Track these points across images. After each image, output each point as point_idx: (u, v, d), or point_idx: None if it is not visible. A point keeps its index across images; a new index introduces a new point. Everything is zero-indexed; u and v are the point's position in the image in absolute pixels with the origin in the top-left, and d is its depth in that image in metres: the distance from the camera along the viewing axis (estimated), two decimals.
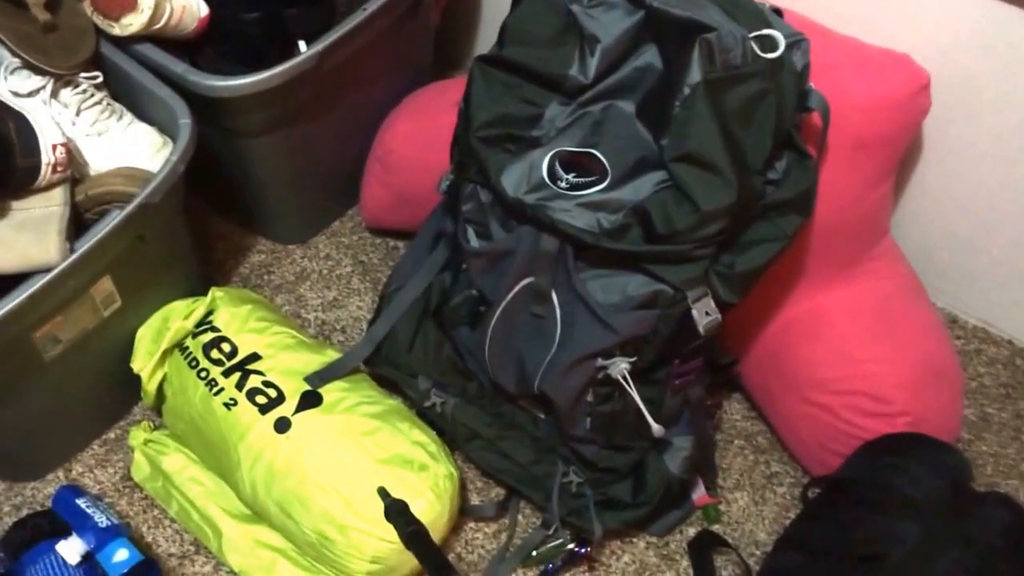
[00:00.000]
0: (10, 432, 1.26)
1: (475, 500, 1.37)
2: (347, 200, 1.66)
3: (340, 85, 1.40)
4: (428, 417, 1.32)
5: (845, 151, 1.15)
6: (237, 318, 1.31)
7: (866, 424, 1.26)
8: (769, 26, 1.02)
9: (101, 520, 1.22)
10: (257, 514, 1.27)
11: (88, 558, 1.20)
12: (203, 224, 1.63)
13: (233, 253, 1.62)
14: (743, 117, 0.99)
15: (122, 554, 1.19)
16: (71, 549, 1.18)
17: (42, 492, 1.35)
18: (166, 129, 1.26)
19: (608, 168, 1.05)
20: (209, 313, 1.32)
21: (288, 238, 1.63)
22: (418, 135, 1.47)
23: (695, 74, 0.98)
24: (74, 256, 1.09)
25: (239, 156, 1.43)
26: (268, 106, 1.32)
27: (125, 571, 1.18)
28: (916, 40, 1.20)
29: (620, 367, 1.11)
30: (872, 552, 1.05)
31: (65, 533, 1.21)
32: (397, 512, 1.16)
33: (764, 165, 1.02)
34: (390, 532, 1.15)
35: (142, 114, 1.27)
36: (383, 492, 1.17)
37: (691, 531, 1.34)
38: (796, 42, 1.03)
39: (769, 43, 1.00)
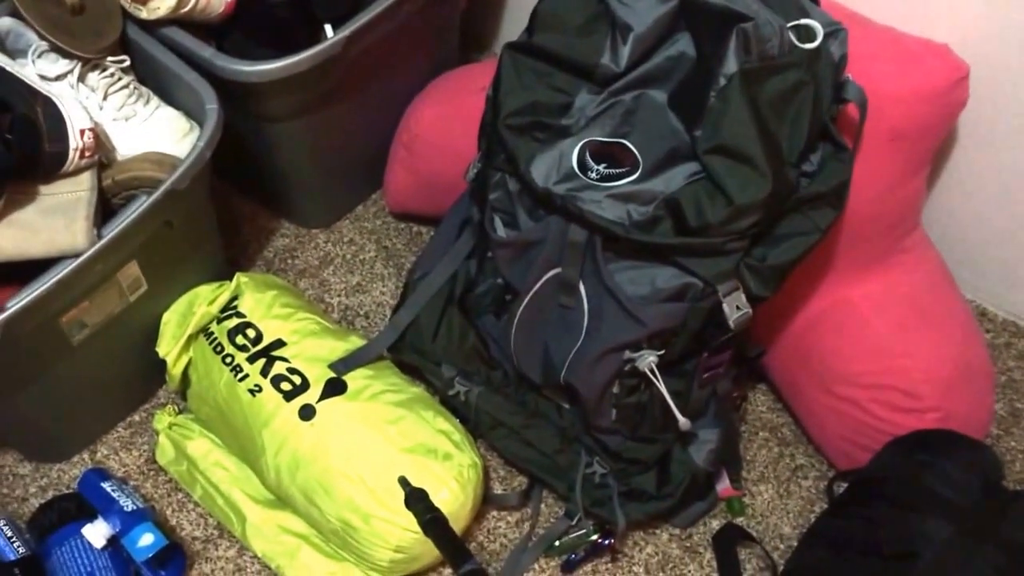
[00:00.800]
0: (37, 415, 1.26)
1: (498, 489, 1.36)
2: (371, 184, 1.65)
3: (366, 70, 1.39)
4: (452, 405, 1.31)
5: (880, 143, 1.13)
6: (262, 304, 1.31)
7: (894, 419, 1.24)
8: (807, 15, 1.00)
9: (127, 504, 1.22)
10: (281, 500, 1.27)
11: (113, 542, 1.21)
12: (228, 206, 1.63)
13: (257, 236, 1.62)
14: (779, 108, 0.97)
15: (147, 538, 1.20)
16: (97, 533, 1.19)
17: (68, 474, 1.35)
18: (192, 114, 1.25)
19: (639, 159, 1.03)
20: (234, 298, 1.32)
21: (312, 222, 1.63)
22: (444, 120, 1.46)
23: (731, 64, 0.96)
24: (102, 242, 1.09)
25: (264, 140, 1.42)
26: (295, 91, 1.31)
27: (150, 556, 1.19)
28: (955, 30, 1.18)
29: (648, 360, 1.10)
30: (903, 551, 1.04)
31: (91, 516, 1.22)
32: (417, 500, 1.15)
33: (799, 157, 1.00)
34: (414, 522, 1.15)
35: (168, 98, 1.27)
36: (403, 480, 1.17)
37: (715, 523, 1.34)
38: (834, 31, 1.01)
39: (807, 33, 0.99)
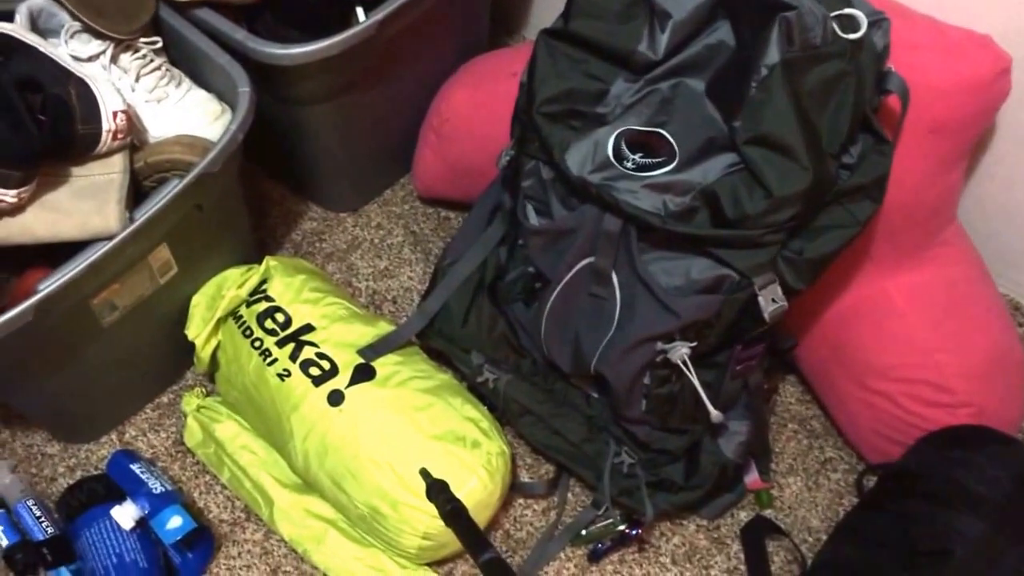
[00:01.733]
0: (67, 395, 1.27)
1: (525, 477, 1.36)
2: (399, 169, 1.65)
3: (398, 53, 1.38)
4: (480, 393, 1.31)
5: (920, 134, 1.11)
6: (291, 288, 1.31)
7: (927, 413, 1.23)
8: (850, 4, 0.99)
9: (155, 486, 1.23)
10: (309, 485, 1.27)
11: (142, 523, 1.21)
12: (256, 189, 1.63)
13: (285, 219, 1.61)
14: (821, 99, 0.96)
15: (176, 521, 1.20)
16: (125, 514, 1.20)
17: (96, 454, 1.36)
18: (224, 96, 1.24)
19: (676, 148, 1.02)
20: (263, 282, 1.32)
21: (340, 206, 1.62)
22: (474, 104, 1.45)
23: (773, 54, 0.95)
24: (134, 225, 1.08)
25: (294, 123, 1.42)
26: (326, 74, 1.30)
27: (179, 538, 1.20)
28: (997, 21, 1.16)
29: (680, 351, 1.09)
30: (936, 547, 1.03)
31: (120, 498, 1.23)
32: (437, 491, 1.15)
33: (840, 149, 0.98)
34: None
35: (200, 81, 1.26)
36: (424, 472, 1.17)
37: (742, 515, 1.33)
38: (877, 21, 1.00)
39: (850, 23, 0.97)
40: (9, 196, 1.02)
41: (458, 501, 1.15)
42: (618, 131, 1.04)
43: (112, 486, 1.25)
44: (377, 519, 1.18)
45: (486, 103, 1.43)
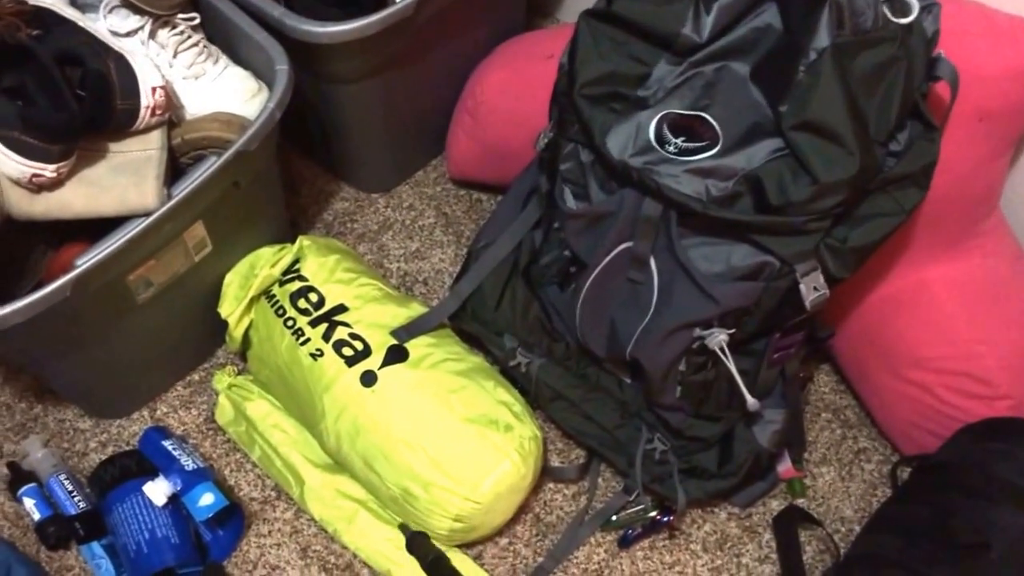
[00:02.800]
0: (100, 371, 1.27)
1: (555, 462, 1.35)
2: (432, 150, 1.64)
3: (434, 33, 1.37)
4: (512, 376, 1.30)
5: (968, 122, 1.09)
6: (324, 268, 1.30)
7: (965, 405, 1.22)
8: None
9: (187, 463, 1.23)
10: (340, 465, 1.27)
11: (174, 500, 1.21)
12: (288, 168, 1.62)
13: (317, 199, 1.61)
14: (870, 85, 0.94)
15: (208, 498, 1.20)
16: (158, 490, 1.20)
17: (127, 430, 1.36)
18: (260, 74, 1.24)
19: (719, 133, 1.01)
20: (296, 261, 1.31)
21: (372, 186, 1.62)
22: (509, 86, 1.44)
23: (823, 37, 0.93)
24: (172, 202, 1.08)
25: (329, 102, 1.41)
26: (363, 53, 1.29)
27: (211, 515, 1.20)
28: None
29: (718, 338, 1.07)
30: (975, 540, 1.02)
31: (151, 474, 1.23)
32: (419, 543, 1.20)
33: (887, 136, 0.97)
34: (475, 491, 1.14)
35: (236, 58, 1.26)
36: (403, 527, 1.22)
37: (774, 504, 1.32)
38: (928, 6, 0.98)
39: (901, 7, 0.95)
40: (48, 170, 1.02)
41: (440, 551, 1.19)
42: (660, 114, 1.03)
43: (144, 462, 1.25)
44: (408, 500, 1.17)
45: (522, 85, 1.42)
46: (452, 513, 1.16)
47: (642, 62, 1.05)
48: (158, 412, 1.38)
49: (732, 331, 1.08)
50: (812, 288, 1.02)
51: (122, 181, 1.06)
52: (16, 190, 1.04)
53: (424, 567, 1.18)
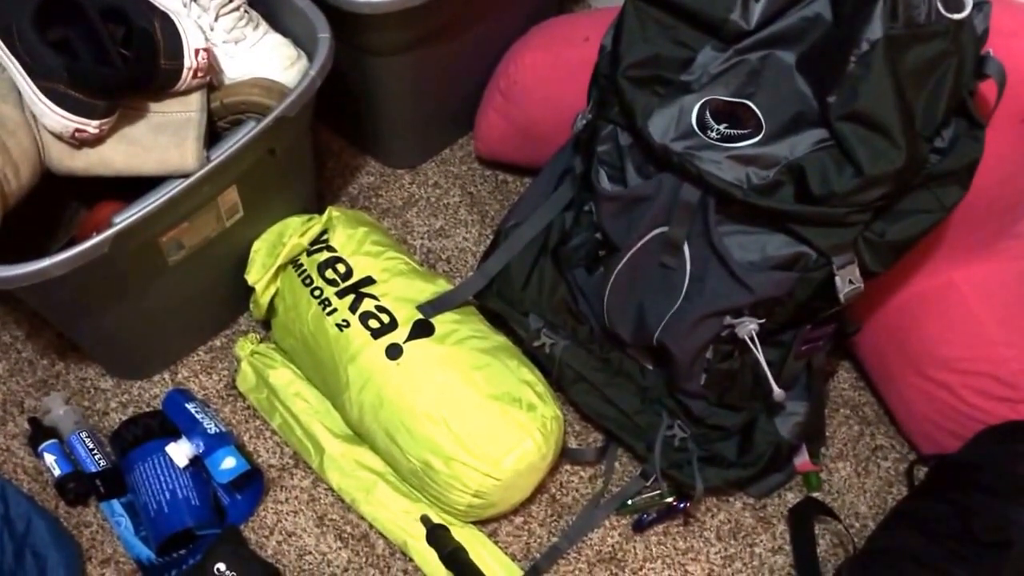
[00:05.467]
0: (125, 331, 1.27)
1: (573, 444, 1.36)
2: (460, 129, 1.64)
3: (473, 10, 1.37)
4: (535, 357, 1.30)
5: (1012, 123, 1.09)
6: (353, 240, 1.30)
7: (988, 407, 1.22)
8: None
9: (210, 426, 1.23)
10: (361, 437, 1.27)
11: (196, 462, 1.22)
12: (315, 141, 1.61)
13: (343, 172, 1.61)
14: (920, 79, 0.94)
15: (229, 462, 1.21)
16: (180, 452, 1.20)
17: (148, 391, 1.37)
18: (299, 42, 1.23)
19: (763, 121, 1.01)
20: (324, 232, 1.31)
21: (399, 162, 1.62)
22: (544, 68, 1.44)
23: (876, 29, 0.93)
24: (211, 164, 1.08)
25: (364, 74, 1.41)
26: (403, 26, 1.29)
27: (231, 479, 1.20)
28: None
29: (749, 327, 1.08)
30: (995, 539, 1.02)
31: (173, 435, 1.23)
32: (438, 536, 1.20)
33: (933, 132, 0.97)
34: (496, 468, 1.15)
35: (276, 25, 1.25)
36: (425, 518, 1.21)
37: (789, 496, 1.32)
38: (980, 3, 0.97)
39: (954, 2, 0.95)
40: (92, 126, 1.02)
41: (459, 545, 1.19)
42: (703, 100, 1.03)
43: (166, 423, 1.26)
44: (428, 474, 1.18)
45: (556, 67, 1.42)
46: (472, 488, 1.16)
47: (687, 47, 1.06)
48: (179, 375, 1.38)
49: (763, 321, 1.08)
50: (848, 281, 1.02)
51: (162, 141, 1.06)
52: (57, 144, 1.04)
53: (442, 559, 1.19)
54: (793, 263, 1.03)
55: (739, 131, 1.01)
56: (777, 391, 1.11)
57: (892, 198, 0.98)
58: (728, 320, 1.09)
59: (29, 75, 1.01)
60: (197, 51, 1.07)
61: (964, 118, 0.99)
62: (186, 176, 1.07)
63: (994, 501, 1.07)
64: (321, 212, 1.34)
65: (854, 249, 1.01)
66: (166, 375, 1.38)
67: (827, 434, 1.37)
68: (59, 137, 1.03)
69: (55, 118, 1.01)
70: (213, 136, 1.14)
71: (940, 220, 1.01)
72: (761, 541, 1.29)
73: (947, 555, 1.04)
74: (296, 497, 1.29)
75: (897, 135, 0.93)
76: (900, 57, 0.93)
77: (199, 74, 1.08)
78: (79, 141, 1.04)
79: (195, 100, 1.10)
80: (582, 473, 1.33)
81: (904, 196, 1.00)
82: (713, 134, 1.02)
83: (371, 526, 1.27)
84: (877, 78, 0.93)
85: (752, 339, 1.08)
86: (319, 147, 1.62)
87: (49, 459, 1.26)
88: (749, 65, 1.03)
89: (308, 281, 1.28)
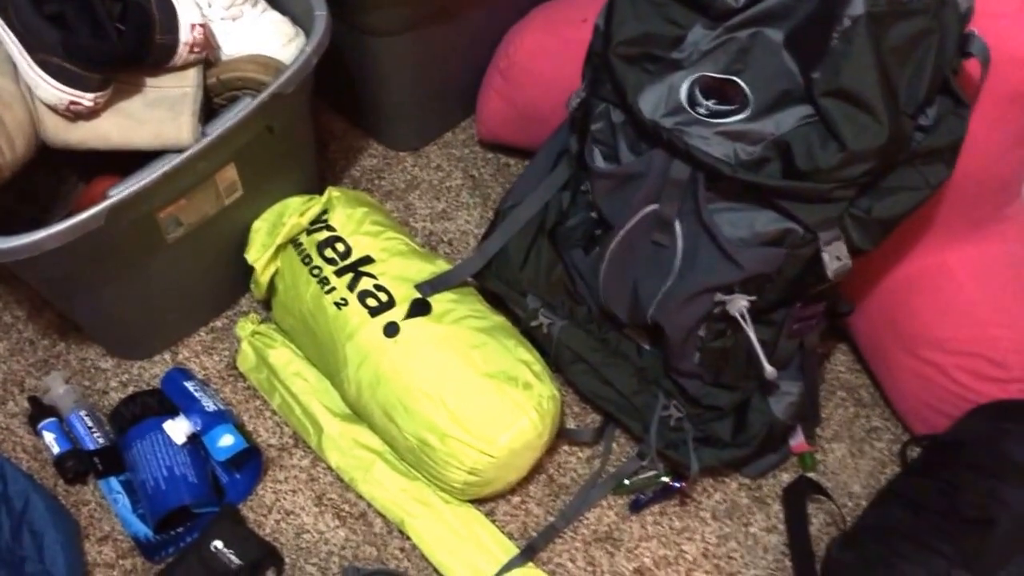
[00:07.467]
0: (125, 310, 1.28)
1: (571, 424, 1.36)
2: (462, 112, 1.65)
3: None
4: (533, 337, 1.31)
5: (999, 104, 1.09)
6: (352, 219, 1.31)
7: (978, 387, 1.22)
8: None
9: (208, 404, 1.24)
10: (359, 415, 1.28)
11: (194, 439, 1.23)
12: (318, 123, 1.63)
13: (345, 154, 1.62)
14: (902, 56, 0.95)
15: (227, 439, 1.22)
16: (178, 429, 1.21)
17: (149, 372, 1.38)
18: (298, 20, 1.25)
19: (750, 97, 1.01)
20: (324, 212, 1.33)
21: (401, 144, 1.63)
22: (543, 49, 1.44)
23: (858, 5, 0.93)
24: (207, 139, 1.09)
25: (365, 54, 1.42)
26: (403, 5, 1.30)
27: (229, 456, 1.21)
28: None
29: (739, 304, 1.08)
30: (980, 516, 1.03)
31: (172, 413, 1.25)
32: None
33: (917, 109, 0.97)
34: (491, 446, 1.16)
35: (274, 3, 1.26)
36: None
37: (784, 476, 1.33)
38: None
39: None
40: (86, 99, 1.03)
41: None
42: (693, 77, 1.04)
43: (165, 401, 1.27)
44: (425, 451, 1.19)
45: (555, 48, 1.42)
46: (467, 466, 1.17)
47: (678, 25, 1.06)
48: (180, 356, 1.40)
49: (753, 298, 1.09)
50: (835, 257, 1.03)
51: (158, 115, 1.07)
52: (53, 117, 1.05)
53: None
54: (781, 239, 1.03)
55: (727, 107, 1.01)
56: (769, 369, 1.11)
57: (877, 174, 0.98)
58: (719, 297, 1.09)
59: (25, 48, 1.02)
60: (193, 26, 1.08)
61: (949, 96, 1.00)
62: (182, 151, 1.08)
63: (980, 478, 1.07)
64: (322, 194, 1.35)
65: (841, 226, 1.02)
66: (167, 355, 1.40)
67: (823, 416, 1.38)
68: (54, 110, 1.04)
69: (50, 90, 1.02)
70: (211, 113, 1.15)
71: (926, 198, 1.02)
72: (756, 520, 1.29)
73: (933, 531, 1.05)
74: (295, 476, 1.30)
75: (880, 111, 0.93)
76: (882, 34, 0.94)
77: (195, 49, 1.09)
78: (74, 114, 1.05)
79: (192, 76, 1.11)
80: (580, 454, 1.34)
81: (890, 173, 1.00)
82: (702, 110, 1.02)
83: (369, 505, 1.28)
84: (859, 54, 0.93)
85: (743, 316, 1.08)
86: (322, 129, 1.63)
87: (48, 437, 1.28)
88: (738, 42, 1.04)
89: (307, 260, 1.29)
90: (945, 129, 1.01)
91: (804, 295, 1.11)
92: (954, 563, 1.01)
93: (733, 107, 1.02)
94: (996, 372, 1.21)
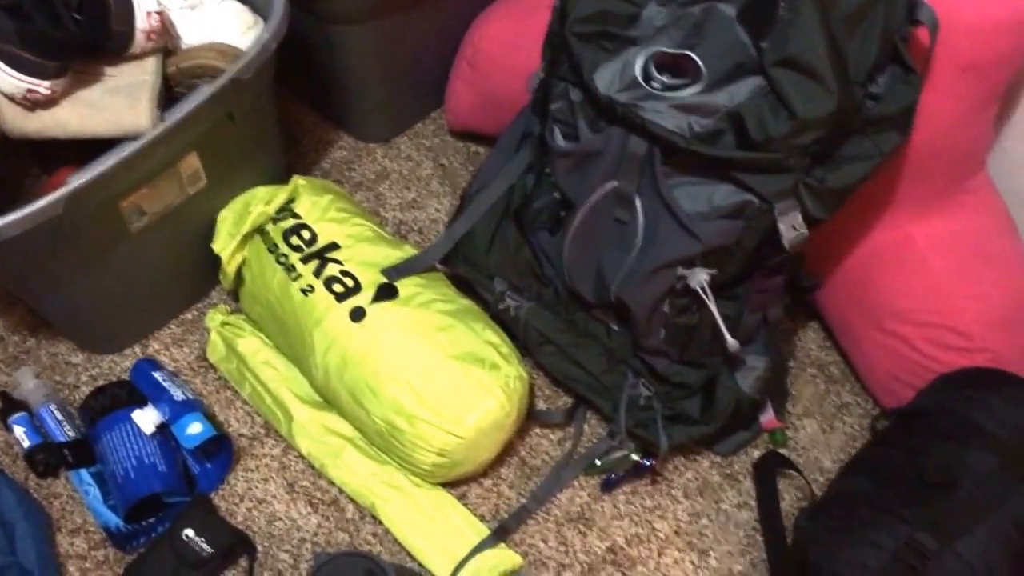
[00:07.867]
0: (93, 302, 1.28)
1: (542, 407, 1.37)
2: (431, 102, 1.65)
3: None
4: (501, 320, 1.31)
5: (952, 73, 1.10)
6: (318, 207, 1.32)
7: (943, 357, 1.23)
8: None
9: (177, 394, 1.24)
10: (328, 401, 1.28)
11: (163, 429, 1.23)
12: (288, 116, 1.64)
13: (316, 147, 1.62)
14: (850, 24, 0.96)
15: (196, 427, 1.22)
16: (146, 419, 1.22)
17: (119, 365, 1.38)
18: (258, 8, 1.25)
19: (703, 71, 1.02)
20: (290, 200, 1.33)
21: (371, 136, 1.63)
22: (508, 36, 1.45)
23: None
24: (165, 124, 1.10)
25: (331, 44, 1.43)
26: None
27: (198, 444, 1.21)
28: None
29: (700, 277, 1.09)
30: (943, 480, 1.04)
31: (141, 403, 1.24)
32: None
33: (867, 77, 0.98)
34: (459, 426, 1.16)
35: None
36: None
37: (756, 453, 1.33)
38: None
39: None
40: (43, 87, 1.04)
41: None
42: (648, 52, 1.05)
43: (134, 392, 1.27)
44: (393, 434, 1.19)
45: (520, 35, 1.43)
46: (436, 447, 1.18)
47: (633, 3, 1.08)
48: (150, 349, 1.40)
49: (714, 271, 1.09)
50: (791, 227, 1.04)
51: (117, 102, 1.08)
52: (11, 107, 1.06)
53: None
54: (739, 212, 1.04)
55: (680, 81, 1.02)
56: (731, 341, 1.12)
57: (829, 143, 0.99)
58: (680, 271, 1.10)
59: None
60: (149, 13, 1.09)
61: (898, 64, 1.00)
62: (141, 136, 1.08)
63: (944, 444, 1.08)
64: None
65: (796, 196, 1.02)
66: (137, 349, 1.40)
67: (794, 393, 1.38)
68: (12, 99, 1.05)
69: (7, 79, 1.02)
70: (171, 102, 1.16)
71: (877, 165, 1.02)
72: (727, 497, 1.30)
73: (897, 498, 1.05)
74: (266, 465, 1.31)
75: (829, 79, 0.94)
76: (830, 3, 0.94)
77: (153, 37, 1.10)
78: (32, 103, 1.05)
79: (150, 64, 1.12)
80: (551, 436, 1.35)
81: (842, 143, 1.01)
82: (656, 84, 1.03)
83: (340, 491, 1.28)
84: (805, 23, 0.94)
85: (703, 289, 1.09)
86: (292, 122, 1.63)
87: (19, 431, 1.28)
88: (692, 18, 1.05)
89: (273, 248, 1.29)
90: (896, 96, 1.02)
91: (763, 266, 1.12)
92: (916, 527, 1.02)
93: (686, 80, 1.02)
94: (960, 342, 1.22)
